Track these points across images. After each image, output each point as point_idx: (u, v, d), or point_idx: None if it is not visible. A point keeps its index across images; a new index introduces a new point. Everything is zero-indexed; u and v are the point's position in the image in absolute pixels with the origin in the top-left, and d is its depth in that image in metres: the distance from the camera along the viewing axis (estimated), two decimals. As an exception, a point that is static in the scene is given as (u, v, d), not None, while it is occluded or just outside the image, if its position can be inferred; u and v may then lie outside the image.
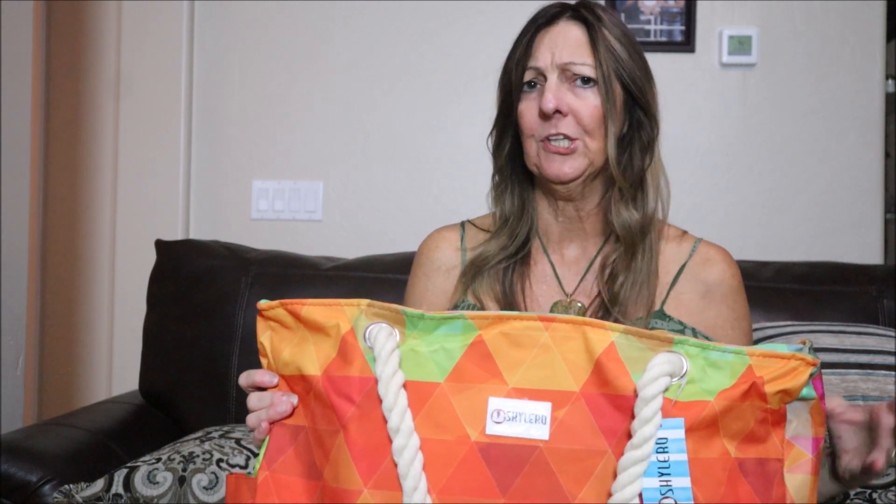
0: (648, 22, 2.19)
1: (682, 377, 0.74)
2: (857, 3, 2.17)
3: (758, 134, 2.20)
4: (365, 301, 0.80)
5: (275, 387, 0.83)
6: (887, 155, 2.26)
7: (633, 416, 0.73)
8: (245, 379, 0.86)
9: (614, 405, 0.73)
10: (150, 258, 1.86)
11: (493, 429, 0.73)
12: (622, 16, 2.17)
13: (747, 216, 2.20)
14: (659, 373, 0.73)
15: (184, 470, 1.34)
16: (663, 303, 1.10)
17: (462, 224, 1.22)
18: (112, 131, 2.28)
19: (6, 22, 1.80)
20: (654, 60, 1.12)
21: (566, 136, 1.06)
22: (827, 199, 2.18)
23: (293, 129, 2.28)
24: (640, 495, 0.71)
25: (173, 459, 1.36)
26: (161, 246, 1.86)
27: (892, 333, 1.58)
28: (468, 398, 0.74)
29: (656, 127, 1.12)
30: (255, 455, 1.39)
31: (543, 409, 0.73)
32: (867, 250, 2.15)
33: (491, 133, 1.17)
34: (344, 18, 2.26)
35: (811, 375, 0.76)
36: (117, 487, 1.32)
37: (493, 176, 1.18)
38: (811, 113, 2.19)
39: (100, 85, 2.29)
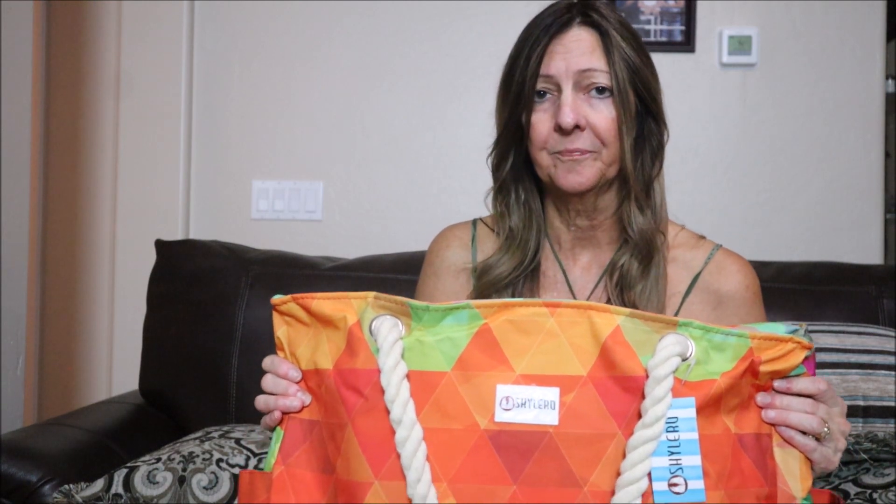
0: (648, 22, 2.19)
1: (689, 358, 0.74)
2: (857, 3, 2.17)
3: (758, 134, 2.20)
4: (372, 294, 0.80)
5: (298, 382, 0.82)
6: (887, 155, 2.26)
7: (642, 397, 0.73)
8: (269, 364, 0.85)
9: (623, 387, 0.74)
10: (150, 258, 1.86)
11: (501, 416, 0.73)
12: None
13: (747, 216, 2.20)
14: (670, 353, 0.73)
15: (183, 470, 1.34)
16: (675, 315, 1.08)
17: (473, 222, 1.20)
18: (112, 131, 2.28)
19: (6, 22, 1.80)
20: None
21: (583, 153, 1.04)
22: (827, 199, 2.18)
23: (293, 129, 2.28)
24: (650, 474, 0.71)
25: (173, 459, 1.36)
26: (161, 246, 1.86)
27: (892, 333, 1.58)
28: (476, 386, 0.75)
29: (666, 133, 1.11)
30: (255, 455, 1.39)
31: (552, 394, 0.73)
32: (867, 250, 2.15)
33: (493, 151, 1.13)
34: (344, 18, 2.26)
35: (805, 357, 0.78)
36: (117, 487, 1.32)
37: (496, 190, 1.14)
38: (811, 113, 2.19)
39: (100, 85, 2.29)
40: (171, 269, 1.83)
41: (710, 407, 0.74)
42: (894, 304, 1.69)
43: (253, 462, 1.37)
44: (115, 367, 2.27)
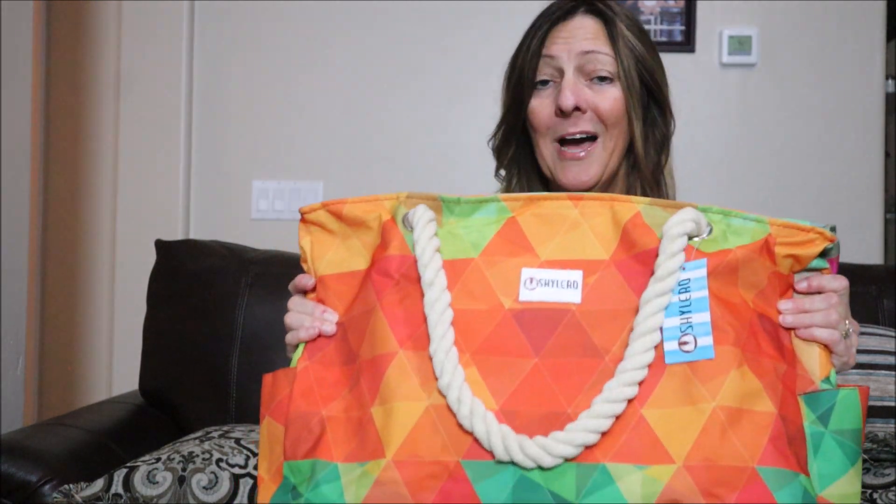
0: (648, 22, 2.19)
1: (706, 233, 0.75)
2: (857, 3, 2.17)
3: (758, 134, 2.20)
4: (404, 193, 0.82)
5: (312, 289, 0.84)
6: (887, 155, 2.26)
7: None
8: (291, 284, 0.88)
9: (642, 262, 0.75)
10: (150, 258, 1.86)
11: (526, 295, 0.75)
12: (622, 16, 2.18)
13: (747, 216, 2.19)
14: (685, 217, 0.74)
15: (183, 470, 1.34)
16: None
17: None
18: (112, 131, 2.28)
19: (6, 22, 1.80)
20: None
21: (586, 134, 1.04)
22: (827, 199, 2.18)
23: (293, 129, 2.28)
24: (661, 331, 0.71)
25: (173, 459, 1.36)
26: (161, 246, 1.86)
27: (892, 333, 1.58)
28: (501, 271, 0.77)
29: (672, 123, 1.10)
30: (255, 455, 1.39)
31: (575, 275, 0.75)
32: (867, 250, 2.15)
33: (495, 133, 1.13)
34: (344, 19, 2.26)
35: (826, 249, 0.77)
36: (117, 487, 1.32)
37: (498, 174, 1.15)
38: (811, 113, 2.19)
39: (100, 85, 2.29)
40: (171, 269, 1.83)
41: (726, 275, 0.74)
42: (894, 304, 1.69)
43: (253, 462, 1.37)
44: (115, 367, 2.27)
